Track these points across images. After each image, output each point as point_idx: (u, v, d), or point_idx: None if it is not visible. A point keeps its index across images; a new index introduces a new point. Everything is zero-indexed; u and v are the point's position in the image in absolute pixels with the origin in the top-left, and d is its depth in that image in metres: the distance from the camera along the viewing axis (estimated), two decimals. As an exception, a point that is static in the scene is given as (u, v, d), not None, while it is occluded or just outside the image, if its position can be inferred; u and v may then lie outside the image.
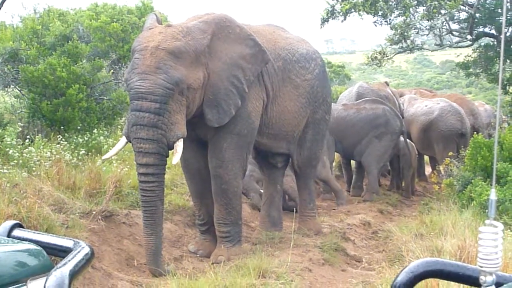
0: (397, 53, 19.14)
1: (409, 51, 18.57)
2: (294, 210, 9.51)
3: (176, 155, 6.81)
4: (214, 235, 8.10)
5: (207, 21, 7.34)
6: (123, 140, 7.01)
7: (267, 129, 8.35)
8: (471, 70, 18.56)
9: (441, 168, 12.66)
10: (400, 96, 17.95)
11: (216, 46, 7.35)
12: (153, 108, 6.57)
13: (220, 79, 7.33)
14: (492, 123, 18.81)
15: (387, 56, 19.03)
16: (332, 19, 17.50)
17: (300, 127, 8.95)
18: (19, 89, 11.61)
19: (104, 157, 7.64)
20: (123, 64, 13.76)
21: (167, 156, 6.93)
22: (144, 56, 6.71)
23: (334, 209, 12.02)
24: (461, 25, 17.96)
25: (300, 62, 8.76)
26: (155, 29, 7.05)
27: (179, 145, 6.81)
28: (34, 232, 2.05)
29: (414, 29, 17.28)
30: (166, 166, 7.04)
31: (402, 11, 16.89)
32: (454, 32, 17.94)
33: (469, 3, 16.42)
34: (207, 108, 7.27)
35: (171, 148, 6.82)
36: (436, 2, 15.07)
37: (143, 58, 6.70)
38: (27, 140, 9.16)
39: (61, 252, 1.84)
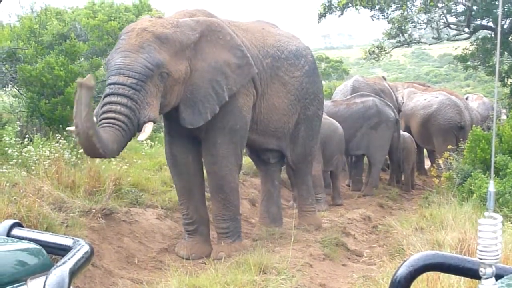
0: (395, 47, 19.21)
1: (406, 45, 18.65)
2: (294, 206, 9.48)
3: (142, 134, 6.49)
4: (203, 234, 7.91)
5: (199, 21, 7.32)
6: None
7: (255, 125, 8.29)
8: (469, 63, 18.62)
9: (440, 161, 12.68)
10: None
11: (204, 47, 7.29)
12: (129, 82, 6.34)
13: (202, 80, 7.22)
14: (491, 116, 18.85)
15: (384, 51, 19.11)
16: (330, 14, 17.59)
17: (290, 124, 8.89)
18: (17, 88, 11.64)
19: None
20: (121, 62, 13.74)
21: (133, 135, 6.55)
22: (129, 36, 6.63)
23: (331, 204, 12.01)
24: (458, 18, 18.01)
25: (289, 59, 8.71)
26: (145, 18, 7.12)
27: (148, 127, 6.50)
28: (33, 231, 2.05)
29: (412, 22, 17.34)
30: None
31: (399, 5, 16.95)
32: (451, 25, 17.99)
33: (466, -4, 16.45)
34: (182, 106, 7.13)
35: (139, 128, 6.48)
36: (433, -4, 15.13)
37: (128, 38, 6.62)
38: (26, 139, 9.16)
39: (60, 251, 1.83)
